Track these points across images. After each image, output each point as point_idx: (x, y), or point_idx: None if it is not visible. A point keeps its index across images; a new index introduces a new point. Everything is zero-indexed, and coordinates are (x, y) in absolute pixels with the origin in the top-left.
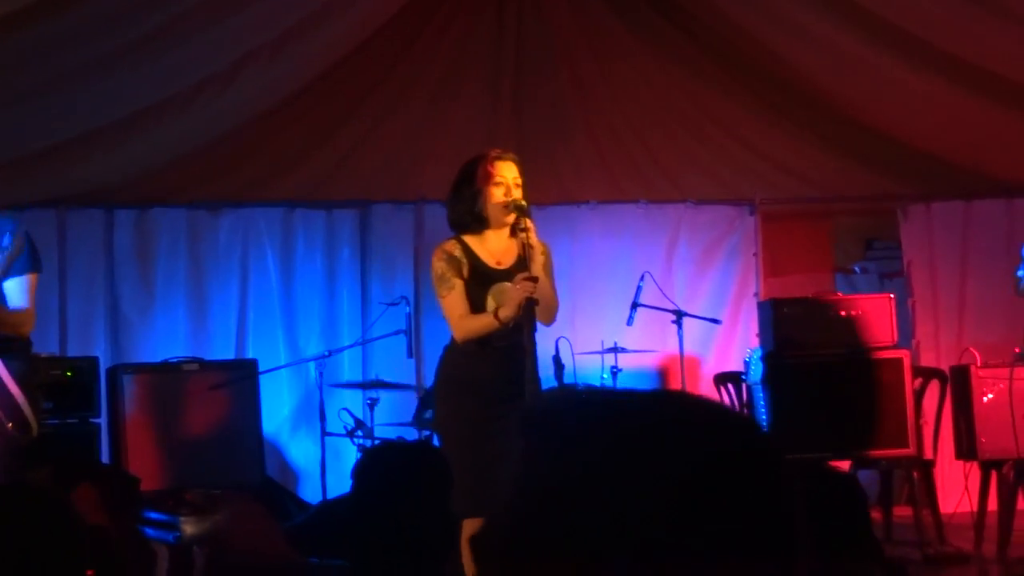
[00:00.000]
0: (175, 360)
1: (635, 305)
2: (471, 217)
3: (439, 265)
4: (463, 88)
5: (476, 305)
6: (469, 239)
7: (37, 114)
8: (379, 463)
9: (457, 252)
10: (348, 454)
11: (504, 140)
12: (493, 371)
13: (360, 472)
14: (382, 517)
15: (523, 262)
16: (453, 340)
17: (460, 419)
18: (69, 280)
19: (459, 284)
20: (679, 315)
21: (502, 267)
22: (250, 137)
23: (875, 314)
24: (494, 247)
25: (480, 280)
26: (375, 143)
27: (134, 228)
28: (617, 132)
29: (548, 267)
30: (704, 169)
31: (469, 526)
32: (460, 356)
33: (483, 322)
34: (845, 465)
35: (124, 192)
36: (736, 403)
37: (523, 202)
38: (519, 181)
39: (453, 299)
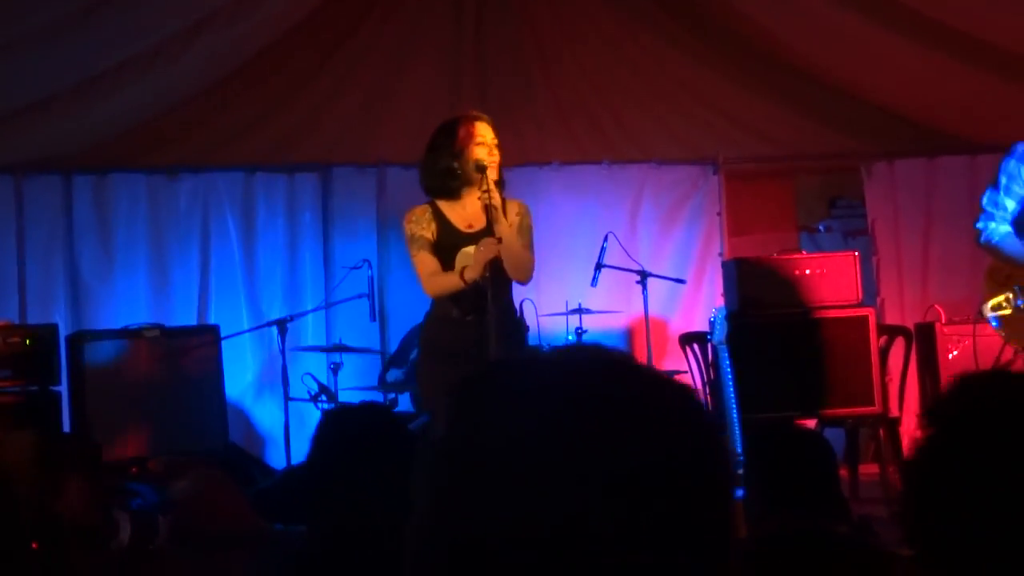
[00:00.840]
0: (136, 326)
1: (599, 266)
2: (451, 178)
3: (409, 227)
4: (424, 51)
5: (446, 267)
6: (442, 204)
7: None
8: (335, 428)
9: (427, 215)
10: (312, 419)
11: (466, 103)
12: (468, 336)
13: (317, 438)
14: (339, 484)
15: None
16: (432, 306)
17: (437, 385)
18: (27, 247)
19: (427, 244)
20: (644, 275)
21: (472, 230)
22: (209, 101)
23: (839, 272)
24: (468, 211)
25: (450, 244)
26: (335, 106)
27: (93, 194)
28: (580, 93)
29: (524, 227)
30: (667, 129)
31: None
32: (437, 321)
33: (450, 280)
34: (811, 423)
35: (82, 158)
36: (701, 363)
37: (484, 162)
38: (495, 142)
39: (422, 257)
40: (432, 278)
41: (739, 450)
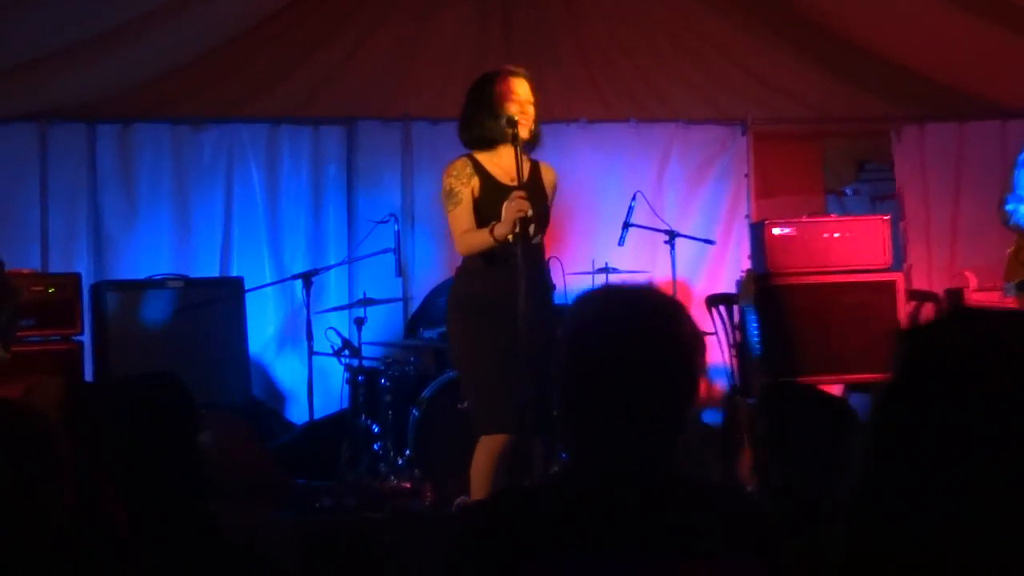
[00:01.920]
0: (159, 277)
1: (627, 225)
2: (487, 131)
3: (448, 181)
4: (449, 3)
5: (489, 220)
6: (481, 156)
7: (18, 25)
8: (112, 402)
9: (468, 169)
10: (335, 374)
11: (493, 58)
12: (499, 290)
13: (93, 415)
14: (121, 460)
15: (533, 181)
16: (464, 260)
17: (471, 337)
18: (50, 195)
19: (466, 199)
20: (672, 235)
21: (515, 183)
22: (235, 53)
23: (868, 236)
24: (509, 164)
25: (493, 196)
26: (361, 59)
27: (117, 143)
28: (607, 49)
29: (551, 197)
30: (696, 88)
31: (486, 443)
32: (469, 275)
33: (481, 237)
34: (837, 390)
35: (107, 106)
36: (727, 325)
37: (515, 116)
38: (532, 99)
39: (458, 213)
40: (464, 236)
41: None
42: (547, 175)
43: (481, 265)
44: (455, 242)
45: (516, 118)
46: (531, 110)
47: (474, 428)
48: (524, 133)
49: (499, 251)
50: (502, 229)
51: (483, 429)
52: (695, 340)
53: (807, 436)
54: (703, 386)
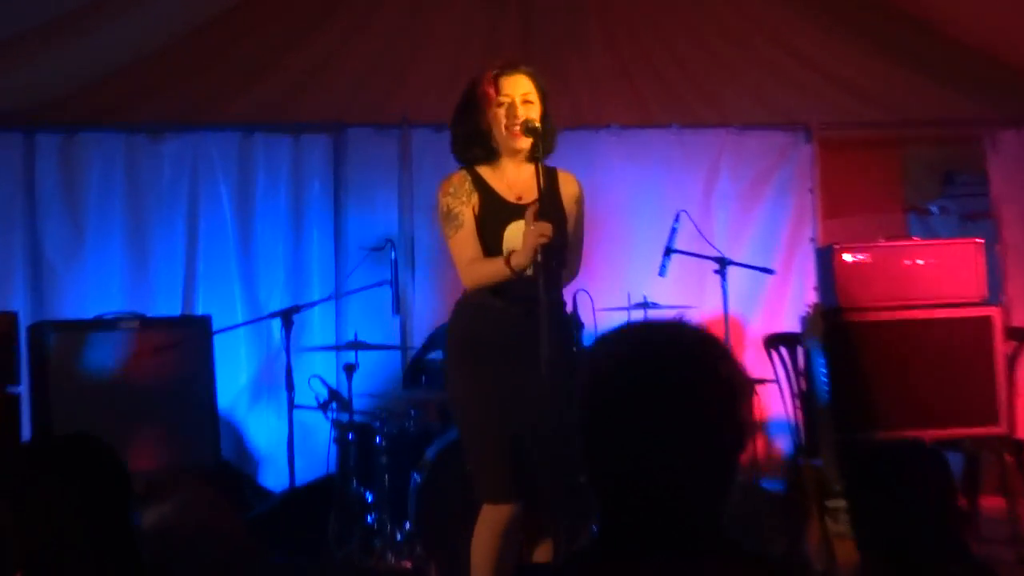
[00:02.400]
0: (110, 316)
1: (669, 251)
2: (477, 148)
3: (445, 200)
4: None
5: (492, 247)
6: (482, 169)
7: None
8: (31, 467)
9: (467, 185)
10: (321, 431)
11: (507, 52)
12: (512, 329)
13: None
14: (33, 544)
15: (550, 196)
16: (466, 292)
17: (475, 387)
18: None
19: (469, 222)
20: (723, 263)
21: (523, 202)
22: (200, 48)
23: (957, 263)
24: (512, 178)
25: (496, 217)
26: (351, 55)
27: (60, 156)
28: (643, 44)
29: (580, 214)
30: (750, 87)
31: (488, 513)
32: (473, 311)
33: (493, 268)
34: None
35: (47, 112)
36: (790, 371)
37: (536, 123)
38: (531, 97)
39: (461, 239)
40: (471, 266)
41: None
42: (567, 186)
43: (487, 299)
44: (460, 273)
45: (536, 125)
46: (530, 112)
47: (475, 495)
48: (521, 143)
49: (511, 283)
50: (521, 258)
51: (485, 496)
52: (737, 383)
53: (898, 504)
54: (760, 445)
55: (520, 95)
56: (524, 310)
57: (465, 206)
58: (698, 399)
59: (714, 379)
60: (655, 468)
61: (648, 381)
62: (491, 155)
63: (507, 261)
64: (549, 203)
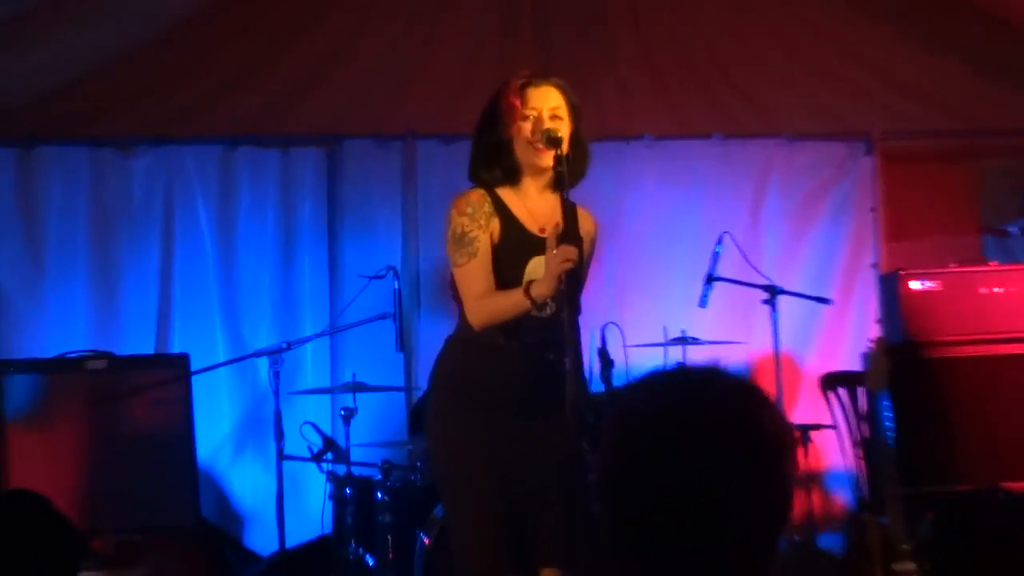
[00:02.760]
0: (74, 355)
1: (711, 278)
2: (498, 167)
3: (460, 221)
4: None
5: (508, 284)
6: (503, 192)
7: None
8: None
9: (487, 207)
10: (314, 486)
11: (523, 56)
12: (515, 374)
13: None
14: None
15: (571, 227)
16: (460, 329)
17: (464, 443)
18: None
19: (485, 250)
20: (773, 292)
21: (546, 235)
22: (177, 51)
23: None
24: (535, 206)
25: (517, 249)
26: (347, 59)
27: (16, 173)
28: (679, 40)
29: (590, 255)
30: (802, 93)
31: None
32: (469, 352)
33: (509, 302)
34: None
35: (3, 124)
36: (850, 415)
37: (558, 133)
38: (560, 113)
39: (473, 270)
40: (482, 302)
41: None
42: (586, 223)
43: (490, 336)
44: (467, 309)
45: (559, 135)
46: (558, 126)
47: (455, 570)
48: (545, 159)
49: (519, 325)
50: (544, 287)
51: (466, 572)
52: (781, 439)
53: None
54: (817, 498)
55: (549, 109)
56: (530, 351)
57: (483, 231)
58: (739, 457)
59: (756, 434)
60: (689, 537)
61: (681, 437)
62: (513, 176)
63: (526, 291)
64: (573, 233)
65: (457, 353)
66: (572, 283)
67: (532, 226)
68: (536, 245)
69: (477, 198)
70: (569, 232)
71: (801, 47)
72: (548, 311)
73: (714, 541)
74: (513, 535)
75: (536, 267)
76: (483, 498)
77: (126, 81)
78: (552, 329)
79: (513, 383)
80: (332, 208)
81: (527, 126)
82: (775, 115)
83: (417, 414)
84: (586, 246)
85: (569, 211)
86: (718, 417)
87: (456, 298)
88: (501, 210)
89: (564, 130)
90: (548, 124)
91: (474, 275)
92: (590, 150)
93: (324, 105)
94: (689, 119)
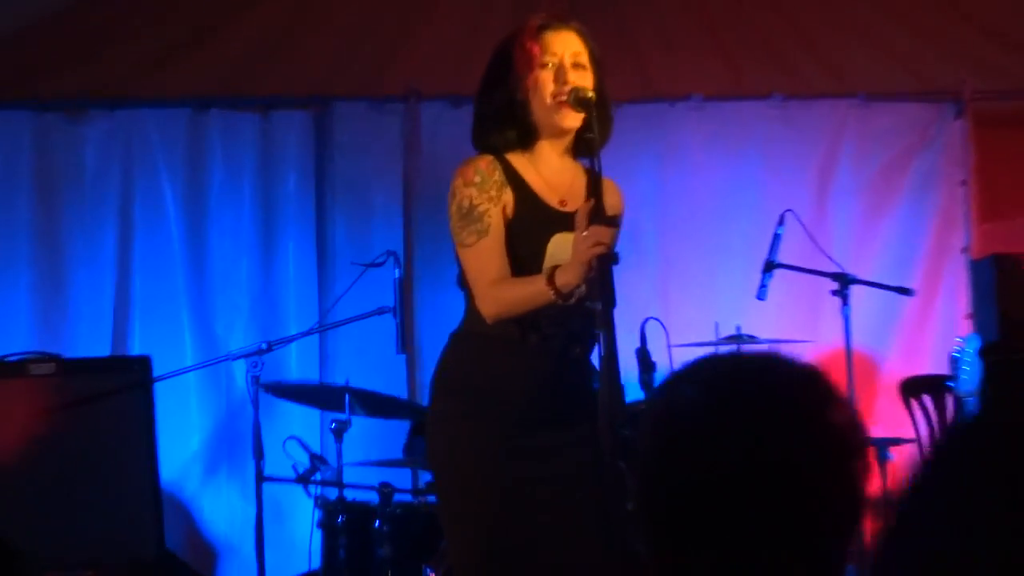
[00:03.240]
0: (16, 357)
1: (770, 266)
2: (511, 128)
3: (466, 192)
4: None
5: (527, 266)
6: (515, 158)
7: None
8: None
9: (497, 175)
10: (301, 512)
11: (543, 2)
12: (534, 374)
13: None
14: None
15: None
16: (467, 321)
17: (472, 454)
18: None
19: (497, 227)
20: (844, 281)
21: (567, 209)
22: None
23: None
24: (552, 174)
25: (535, 224)
26: (338, 6)
27: None
28: None
29: (618, 231)
30: (877, 44)
31: None
32: (478, 350)
33: (530, 291)
34: None
35: None
36: (937, 425)
37: (589, 93)
38: (582, 60)
39: (484, 251)
40: (494, 289)
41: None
42: (611, 196)
43: (504, 330)
44: (478, 298)
45: (590, 94)
46: (583, 77)
47: None
48: (569, 120)
49: (539, 315)
50: (571, 275)
51: None
52: (848, 435)
53: None
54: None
55: (571, 55)
56: (551, 350)
57: (493, 204)
58: (798, 458)
59: (820, 431)
60: (740, 554)
61: (731, 435)
62: (527, 138)
63: (550, 280)
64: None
65: (463, 351)
66: (605, 270)
67: (550, 198)
68: (556, 220)
69: (486, 165)
70: (601, 209)
71: None
72: (574, 299)
73: (770, 547)
74: (520, 558)
75: (559, 247)
76: (492, 530)
77: (77, 31)
78: (578, 319)
79: (531, 385)
80: (320, 183)
81: (547, 76)
82: (846, 71)
83: (421, 427)
84: (615, 211)
85: (595, 183)
86: (776, 408)
87: (462, 285)
88: (514, 179)
89: (587, 81)
90: (571, 74)
91: (485, 256)
92: (612, 111)
93: (310, 60)
94: (744, 76)
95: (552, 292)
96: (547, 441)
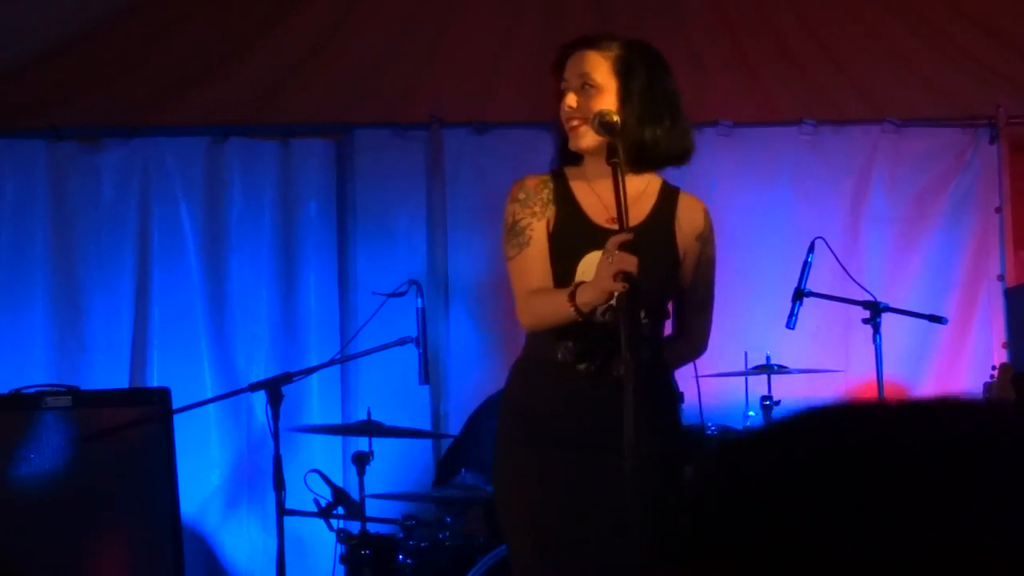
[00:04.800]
0: (32, 390)
1: (801, 294)
2: (559, 146)
3: (511, 208)
4: None
5: (559, 280)
6: (573, 176)
7: None
8: None
9: (545, 192)
10: (323, 546)
11: (574, 26)
12: (574, 395)
13: None
14: None
15: (658, 219)
16: (525, 345)
17: (517, 476)
18: None
19: (539, 240)
20: (876, 310)
21: (615, 226)
22: (156, 24)
23: None
24: (606, 192)
25: (572, 240)
26: (359, 32)
27: None
28: (762, 10)
29: (708, 253)
30: (911, 69)
31: None
32: (527, 372)
33: (556, 303)
34: None
35: None
36: None
37: (613, 116)
38: (590, 79)
39: (525, 262)
40: (532, 299)
41: None
42: (690, 214)
43: (554, 351)
44: (517, 308)
45: (614, 118)
46: (591, 97)
47: None
48: (584, 142)
49: (583, 330)
50: (587, 294)
51: None
52: None
53: None
54: None
55: (577, 76)
56: (598, 369)
57: (537, 219)
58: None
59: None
60: None
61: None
62: (570, 157)
63: (571, 296)
64: (652, 233)
65: (518, 375)
66: (631, 298)
67: (599, 215)
68: (601, 237)
69: (534, 184)
70: (646, 240)
71: (910, 12)
72: (598, 318)
73: None
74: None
75: (588, 265)
76: (535, 527)
77: (93, 59)
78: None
79: (571, 407)
80: (342, 211)
81: (562, 101)
82: (878, 96)
83: (447, 461)
84: (693, 243)
85: (657, 213)
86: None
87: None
88: (563, 196)
89: (606, 102)
90: (575, 98)
91: (524, 268)
92: (684, 121)
93: (331, 87)
94: (775, 101)
95: (571, 307)
96: (591, 463)
